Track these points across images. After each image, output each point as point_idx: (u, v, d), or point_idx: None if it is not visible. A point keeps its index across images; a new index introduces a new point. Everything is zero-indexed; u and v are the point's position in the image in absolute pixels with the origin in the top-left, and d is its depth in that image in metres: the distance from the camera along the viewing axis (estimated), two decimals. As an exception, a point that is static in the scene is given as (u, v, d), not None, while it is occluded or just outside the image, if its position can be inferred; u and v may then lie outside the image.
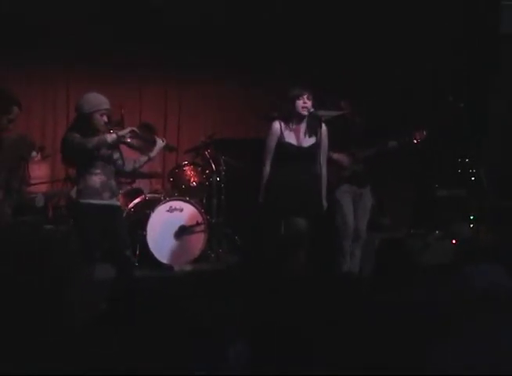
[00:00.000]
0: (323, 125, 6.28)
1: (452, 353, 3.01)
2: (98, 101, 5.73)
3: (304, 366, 3.03)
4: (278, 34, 9.19)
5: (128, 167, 6.02)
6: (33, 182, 7.75)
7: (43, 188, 8.08)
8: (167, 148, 7.20)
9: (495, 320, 3.10)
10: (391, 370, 3.00)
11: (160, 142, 6.05)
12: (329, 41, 9.09)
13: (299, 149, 6.24)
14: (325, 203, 6.34)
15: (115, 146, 5.85)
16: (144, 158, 6.06)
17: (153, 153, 6.03)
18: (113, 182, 5.83)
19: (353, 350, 3.11)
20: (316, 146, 6.26)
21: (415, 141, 6.64)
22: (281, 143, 6.23)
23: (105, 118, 5.72)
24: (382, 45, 8.80)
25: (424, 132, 6.62)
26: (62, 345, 3.21)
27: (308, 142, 6.27)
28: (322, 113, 6.36)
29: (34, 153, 8.00)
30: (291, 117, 6.26)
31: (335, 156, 6.64)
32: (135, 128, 5.85)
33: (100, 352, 3.14)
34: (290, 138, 6.24)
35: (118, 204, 6.06)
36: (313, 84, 6.70)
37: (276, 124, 6.25)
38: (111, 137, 5.61)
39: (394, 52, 8.77)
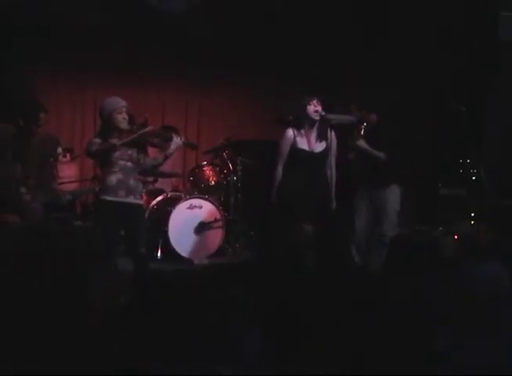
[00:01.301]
0: (332, 129, 6.26)
1: (453, 351, 2.99)
2: (114, 101, 5.82)
3: (310, 362, 3.02)
4: (290, 43, 9.19)
5: (148, 164, 5.99)
6: (63, 181, 7.82)
7: (72, 186, 8.14)
8: (189, 145, 7.20)
9: (494, 320, 3.08)
10: (391, 369, 2.97)
11: (176, 141, 6.02)
12: (337, 46, 9.04)
13: (311, 154, 6.24)
14: (334, 203, 6.30)
15: (138, 146, 5.88)
16: (162, 156, 6.05)
17: (169, 151, 5.99)
18: (131, 182, 5.79)
19: (351, 348, 3.09)
20: (327, 151, 6.26)
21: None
22: (294, 149, 6.23)
23: (124, 115, 5.77)
24: (383, 48, 8.75)
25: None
26: (84, 335, 3.23)
27: (320, 147, 6.27)
28: (331, 117, 6.32)
29: (59, 150, 8.04)
30: (303, 122, 6.25)
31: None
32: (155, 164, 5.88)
33: (122, 340, 3.16)
34: (303, 144, 6.25)
35: (136, 202, 5.90)
36: (322, 87, 6.67)
37: (290, 132, 6.25)
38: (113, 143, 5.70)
39: (395, 55, 8.71)
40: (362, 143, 6.54)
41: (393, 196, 6.68)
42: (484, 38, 8.38)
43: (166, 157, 6.05)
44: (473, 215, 7.44)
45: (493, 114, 8.42)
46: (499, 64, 8.43)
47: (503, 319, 3.08)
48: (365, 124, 6.58)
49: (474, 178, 7.56)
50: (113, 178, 5.72)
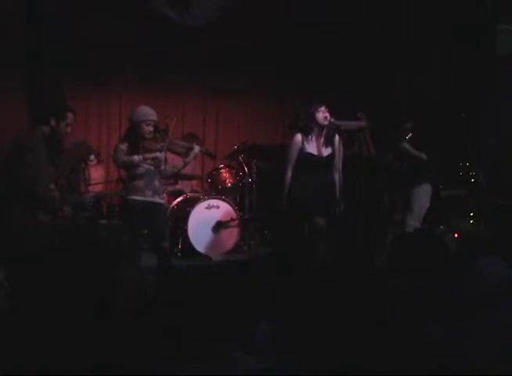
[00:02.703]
0: (340, 135, 6.31)
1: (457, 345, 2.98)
2: (144, 113, 5.93)
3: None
4: (304, 53, 9.26)
5: (168, 171, 6.16)
6: (90, 182, 7.93)
7: (99, 188, 8.24)
8: (208, 154, 7.31)
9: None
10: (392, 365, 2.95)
11: (195, 151, 6.17)
12: (345, 55, 9.11)
13: (319, 158, 6.29)
14: (342, 205, 6.34)
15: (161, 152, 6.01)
16: (181, 163, 6.22)
17: (187, 159, 6.18)
18: (156, 183, 5.99)
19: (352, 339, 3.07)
20: (334, 155, 6.31)
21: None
22: (303, 154, 6.27)
23: (150, 128, 5.89)
24: (388, 55, 8.81)
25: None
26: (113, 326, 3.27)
27: (327, 152, 6.31)
28: (340, 123, 6.35)
29: (92, 157, 8.16)
30: (312, 128, 6.28)
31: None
32: (157, 155, 5.95)
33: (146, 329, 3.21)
34: (311, 148, 6.28)
35: (160, 201, 6.15)
36: (329, 96, 6.71)
37: (298, 137, 6.29)
38: (138, 158, 5.84)
39: (398, 63, 8.77)
40: (406, 145, 6.71)
41: (422, 193, 6.79)
42: (481, 49, 8.39)
43: (185, 164, 6.23)
44: (472, 214, 7.47)
45: (491, 119, 8.42)
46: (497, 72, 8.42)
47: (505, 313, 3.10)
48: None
49: (472, 179, 7.60)
50: (141, 180, 5.88)
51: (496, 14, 8.23)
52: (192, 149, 6.18)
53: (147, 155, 5.88)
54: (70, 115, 5.45)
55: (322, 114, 6.22)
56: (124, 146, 5.89)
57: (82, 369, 2.89)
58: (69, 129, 5.45)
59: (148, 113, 5.93)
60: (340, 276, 4.47)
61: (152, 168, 5.96)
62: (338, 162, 6.31)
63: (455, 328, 3.05)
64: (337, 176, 6.32)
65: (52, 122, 5.29)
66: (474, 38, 8.37)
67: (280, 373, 2.84)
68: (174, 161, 6.42)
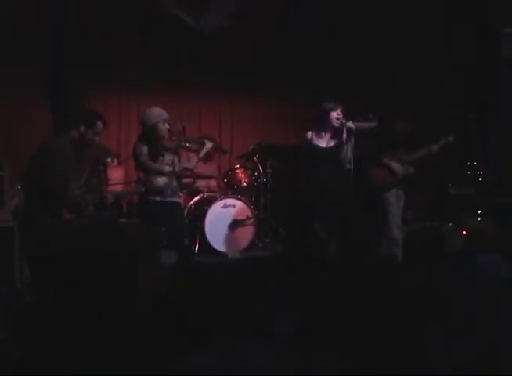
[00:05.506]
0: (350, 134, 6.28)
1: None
2: (158, 113, 5.99)
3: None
4: (314, 58, 9.28)
5: (182, 168, 6.20)
6: (111, 183, 7.97)
7: (119, 188, 8.28)
8: (219, 149, 7.36)
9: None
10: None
11: (207, 145, 6.23)
12: (358, 62, 9.12)
13: (323, 149, 6.20)
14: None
15: (177, 151, 6.06)
16: (195, 159, 6.28)
17: (201, 154, 6.24)
18: (174, 183, 6.06)
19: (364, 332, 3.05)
20: (341, 147, 6.21)
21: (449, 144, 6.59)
22: (311, 147, 6.21)
23: (166, 126, 5.95)
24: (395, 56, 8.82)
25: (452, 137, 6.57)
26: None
27: (333, 143, 6.23)
28: (352, 125, 6.29)
29: (109, 160, 8.18)
30: (324, 126, 6.25)
31: (393, 164, 6.62)
32: (189, 167, 6.08)
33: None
34: (319, 142, 6.22)
35: (179, 200, 6.25)
36: (342, 96, 6.68)
37: (308, 133, 6.25)
38: (168, 169, 5.96)
39: (406, 64, 8.77)
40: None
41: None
42: (487, 53, 8.36)
43: (198, 160, 6.30)
44: (479, 211, 7.47)
45: (496, 120, 8.40)
46: (499, 76, 8.39)
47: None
48: None
49: (479, 178, 7.59)
50: (161, 181, 5.95)
51: (500, 16, 8.18)
52: (203, 144, 6.24)
53: (177, 169, 6.00)
54: (99, 124, 5.33)
55: (337, 115, 6.18)
56: (145, 150, 5.92)
57: (95, 365, 2.91)
58: (97, 139, 5.34)
59: (162, 112, 6.00)
60: (347, 274, 4.49)
61: (171, 168, 6.02)
62: (350, 154, 6.15)
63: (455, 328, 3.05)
64: (347, 168, 6.23)
65: (81, 128, 5.23)
66: (475, 39, 8.34)
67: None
68: (189, 156, 6.50)
